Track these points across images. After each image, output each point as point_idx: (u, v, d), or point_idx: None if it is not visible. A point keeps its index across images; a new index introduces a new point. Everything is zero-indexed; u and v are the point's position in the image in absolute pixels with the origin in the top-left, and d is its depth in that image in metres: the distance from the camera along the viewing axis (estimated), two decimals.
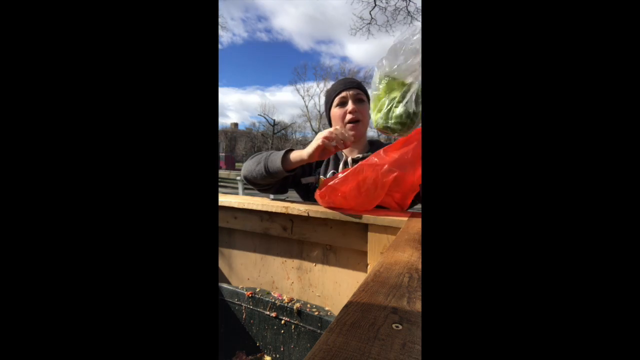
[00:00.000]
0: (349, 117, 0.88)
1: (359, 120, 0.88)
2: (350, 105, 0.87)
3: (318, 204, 0.70)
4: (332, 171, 0.92)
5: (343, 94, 0.89)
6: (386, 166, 0.60)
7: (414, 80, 0.62)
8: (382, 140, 1.04)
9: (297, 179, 0.92)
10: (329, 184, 0.63)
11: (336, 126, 0.83)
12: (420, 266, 0.32)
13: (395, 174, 0.60)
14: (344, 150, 0.92)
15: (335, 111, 0.91)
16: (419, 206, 0.83)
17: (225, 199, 0.80)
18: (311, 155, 0.71)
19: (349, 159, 0.90)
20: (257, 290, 0.70)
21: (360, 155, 0.89)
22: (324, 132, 0.70)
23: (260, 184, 0.83)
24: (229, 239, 0.83)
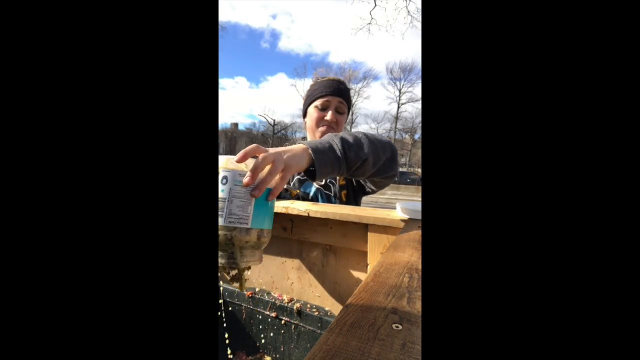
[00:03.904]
0: (324, 127, 0.88)
1: (334, 130, 0.89)
2: (330, 115, 0.88)
3: (318, 204, 0.70)
4: (297, 177, 0.91)
5: (328, 98, 0.88)
6: None
7: None
8: None
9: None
10: None
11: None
12: (420, 266, 0.32)
13: None
14: None
15: (313, 111, 0.90)
16: None
17: None
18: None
19: None
20: (257, 290, 0.70)
21: None
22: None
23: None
24: None
